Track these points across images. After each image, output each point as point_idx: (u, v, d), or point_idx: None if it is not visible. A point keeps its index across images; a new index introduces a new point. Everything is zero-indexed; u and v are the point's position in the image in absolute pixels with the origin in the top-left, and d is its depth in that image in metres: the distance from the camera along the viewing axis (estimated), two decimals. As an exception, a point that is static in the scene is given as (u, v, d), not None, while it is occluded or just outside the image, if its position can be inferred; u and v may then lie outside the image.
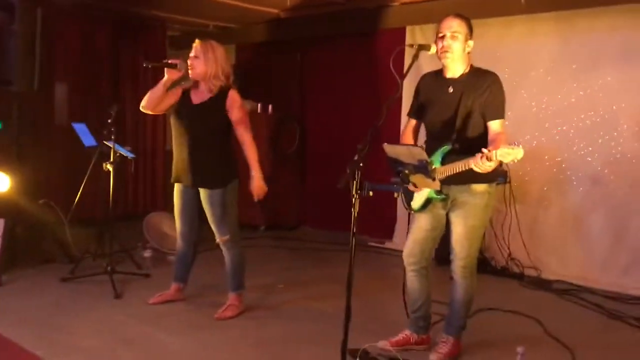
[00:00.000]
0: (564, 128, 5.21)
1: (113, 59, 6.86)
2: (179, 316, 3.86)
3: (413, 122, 3.35)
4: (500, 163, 2.76)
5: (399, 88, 2.89)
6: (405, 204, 3.28)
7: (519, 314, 4.13)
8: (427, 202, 3.16)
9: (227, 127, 3.78)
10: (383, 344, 3.34)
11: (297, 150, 7.17)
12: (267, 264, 5.33)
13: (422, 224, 3.26)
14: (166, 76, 3.66)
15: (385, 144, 2.86)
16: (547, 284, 4.95)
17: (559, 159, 5.24)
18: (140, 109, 3.78)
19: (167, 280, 4.18)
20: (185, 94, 3.80)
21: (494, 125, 3.05)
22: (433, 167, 2.83)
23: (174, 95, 3.79)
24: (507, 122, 5.13)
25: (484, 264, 5.28)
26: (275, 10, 6.40)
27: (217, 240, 3.88)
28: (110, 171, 4.27)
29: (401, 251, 3.41)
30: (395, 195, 2.75)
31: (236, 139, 3.83)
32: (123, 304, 4.06)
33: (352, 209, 2.65)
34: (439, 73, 3.20)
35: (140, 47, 7.13)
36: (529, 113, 5.33)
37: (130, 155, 4.67)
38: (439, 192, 3.08)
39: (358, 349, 3.09)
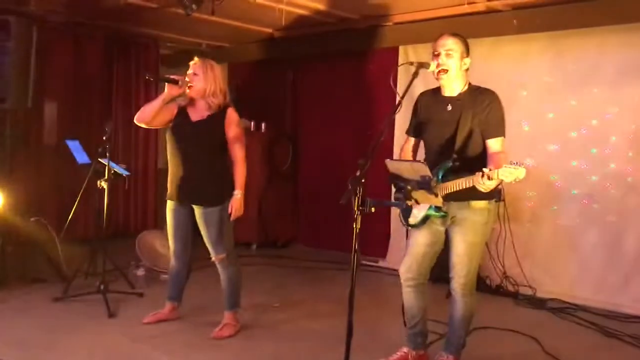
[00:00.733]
0: (557, 146, 5.25)
1: (105, 77, 6.84)
2: (174, 336, 3.81)
3: (412, 140, 3.37)
4: (501, 182, 2.76)
5: (397, 105, 2.90)
6: (403, 220, 3.28)
7: (516, 332, 4.12)
8: (426, 218, 3.17)
9: (225, 145, 3.77)
10: (382, 362, 3.31)
11: (290, 168, 7.16)
12: (261, 282, 5.28)
13: (420, 240, 3.26)
14: (166, 91, 3.64)
15: (387, 159, 2.86)
16: (542, 302, 4.95)
17: (551, 176, 5.27)
18: (135, 121, 3.76)
19: (161, 299, 4.13)
20: (183, 111, 3.79)
21: (493, 144, 3.07)
22: (435, 183, 2.83)
23: (169, 111, 3.77)
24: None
25: (478, 283, 5.24)
26: (269, 30, 6.43)
27: (213, 258, 3.84)
28: (104, 189, 4.23)
29: (395, 270, 3.40)
30: (399, 211, 2.74)
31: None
32: (117, 323, 3.99)
33: (354, 226, 2.64)
34: (436, 91, 3.22)
35: (133, 65, 7.13)
36: (521, 131, 5.37)
37: (125, 172, 4.64)
38: (438, 209, 3.08)
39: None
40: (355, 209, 2.60)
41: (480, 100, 3.08)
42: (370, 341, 3.76)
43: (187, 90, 3.69)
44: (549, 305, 4.87)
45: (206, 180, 3.73)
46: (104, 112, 6.69)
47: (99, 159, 4.32)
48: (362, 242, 6.16)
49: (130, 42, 7.03)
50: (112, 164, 4.33)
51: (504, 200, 5.20)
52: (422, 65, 3.07)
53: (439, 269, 4.26)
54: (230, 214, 3.72)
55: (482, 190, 2.81)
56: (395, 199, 2.78)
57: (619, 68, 4.89)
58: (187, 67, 3.80)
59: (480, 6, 5.09)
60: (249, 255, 6.34)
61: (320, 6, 5.44)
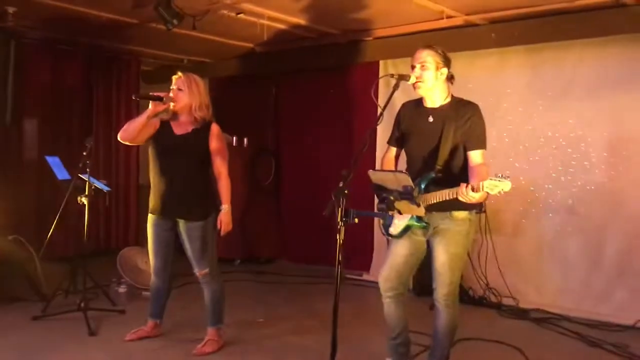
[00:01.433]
0: (536, 158, 5.31)
1: (86, 93, 6.81)
2: (156, 353, 3.76)
3: (393, 150, 3.38)
4: (487, 195, 2.78)
5: (379, 117, 2.92)
6: (383, 230, 3.28)
7: (500, 343, 4.12)
8: (407, 228, 3.17)
9: (208, 159, 3.76)
10: (367, 375, 3.29)
11: (273, 183, 7.15)
12: (244, 298, 5.24)
13: (400, 250, 3.25)
14: (150, 108, 3.61)
15: (370, 170, 2.87)
16: (525, 313, 4.98)
17: (532, 188, 5.32)
18: (119, 139, 3.73)
19: (143, 315, 4.08)
20: (166, 125, 3.76)
21: (475, 156, 3.09)
22: (417, 194, 2.84)
23: (152, 127, 3.75)
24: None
25: (461, 294, 5.25)
26: (250, 45, 6.45)
27: (196, 274, 3.81)
28: (85, 204, 4.18)
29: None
30: (381, 221, 2.75)
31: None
32: (98, 341, 3.94)
33: (338, 237, 2.63)
34: (419, 102, 3.25)
35: (114, 81, 7.10)
36: (501, 144, 5.42)
37: (105, 188, 4.59)
38: (419, 220, 3.09)
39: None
40: (339, 220, 2.59)
41: (463, 112, 3.11)
42: (355, 355, 3.75)
43: (171, 106, 3.67)
44: (532, 316, 4.89)
45: (190, 195, 3.71)
46: (84, 128, 6.64)
47: (79, 175, 4.27)
48: (345, 256, 6.19)
49: (111, 58, 7.01)
50: (93, 180, 4.29)
51: (485, 211, 5.25)
52: (403, 77, 3.09)
53: (422, 282, 4.26)
54: (218, 228, 3.71)
55: (466, 202, 2.82)
56: (379, 209, 2.78)
57: (597, 80, 4.98)
58: (169, 82, 3.79)
59: (459, 20, 5.16)
60: (233, 271, 6.29)
61: (301, 21, 5.47)
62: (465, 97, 3.23)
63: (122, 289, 4.83)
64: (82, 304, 4.18)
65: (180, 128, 3.75)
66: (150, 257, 3.87)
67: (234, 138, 6.81)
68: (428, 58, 3.11)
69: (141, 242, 5.66)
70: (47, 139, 6.34)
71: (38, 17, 5.35)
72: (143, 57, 7.26)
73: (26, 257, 4.73)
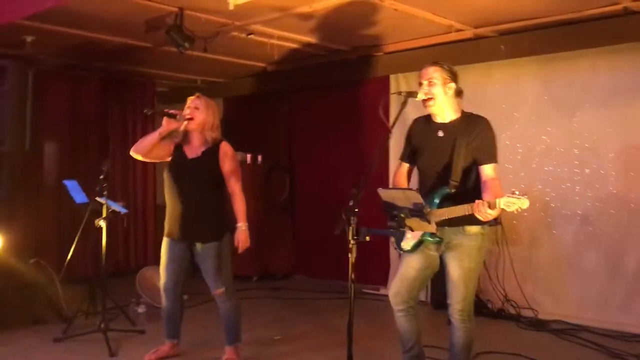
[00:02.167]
0: (550, 168, 5.29)
1: (102, 117, 6.93)
2: (176, 373, 3.80)
3: (405, 166, 3.40)
4: (502, 211, 2.78)
5: (389, 134, 2.95)
6: (395, 245, 3.29)
7: (520, 356, 4.09)
8: (419, 243, 3.18)
9: (221, 179, 3.81)
10: (384, 391, 3.29)
11: (288, 199, 7.19)
12: (261, 315, 5.26)
13: (412, 263, 3.25)
14: (164, 125, 3.70)
15: (380, 188, 2.89)
16: (545, 324, 4.94)
17: (547, 198, 5.30)
18: (131, 153, 3.81)
19: (162, 335, 4.09)
20: (179, 149, 3.83)
21: (486, 170, 3.09)
22: (429, 210, 2.86)
23: (166, 147, 3.82)
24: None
25: (479, 307, 5.26)
26: (262, 64, 6.53)
27: (212, 293, 3.84)
28: (102, 227, 4.24)
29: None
30: (392, 239, 2.76)
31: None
32: (118, 362, 3.98)
33: (350, 255, 2.65)
34: (429, 118, 3.27)
35: (129, 104, 7.22)
36: (514, 155, 5.42)
37: (123, 210, 4.66)
38: (432, 235, 3.10)
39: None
40: (350, 239, 2.61)
41: (473, 127, 3.12)
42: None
43: (185, 123, 3.73)
44: (552, 327, 4.85)
45: (203, 217, 3.75)
46: (101, 152, 6.75)
47: (97, 198, 4.34)
48: (362, 271, 6.17)
49: (126, 82, 7.13)
50: (110, 202, 4.35)
51: (501, 223, 5.24)
52: (411, 94, 3.12)
53: (439, 296, 4.24)
54: (235, 246, 3.75)
55: (481, 219, 2.83)
56: (389, 227, 2.80)
57: (610, 88, 4.96)
58: (184, 102, 3.86)
59: (468, 33, 5.19)
60: (249, 288, 6.32)
61: (311, 39, 5.54)
62: (479, 109, 3.24)
63: (141, 309, 4.88)
64: (102, 325, 4.22)
65: (192, 151, 3.81)
66: (161, 276, 3.89)
67: (248, 155, 6.88)
68: (435, 74, 3.13)
69: (159, 262, 5.72)
70: (65, 163, 6.45)
71: (54, 45, 5.49)
72: (157, 79, 7.38)
73: (47, 280, 4.80)
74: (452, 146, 3.11)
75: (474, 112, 3.21)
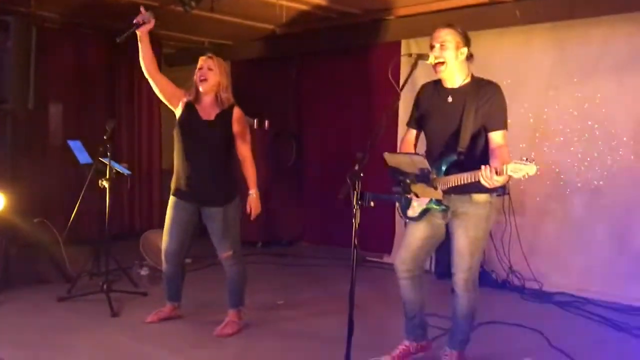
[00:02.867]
0: (562, 139, 5.20)
1: (107, 77, 6.85)
2: (177, 334, 3.80)
3: (413, 131, 3.32)
4: (509, 178, 2.71)
5: (397, 98, 2.86)
6: (401, 213, 3.24)
7: (522, 327, 4.07)
8: (425, 211, 3.13)
9: (231, 144, 3.77)
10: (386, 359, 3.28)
11: (294, 166, 7.13)
12: (265, 281, 5.26)
13: (417, 232, 3.21)
14: (139, 35, 3.67)
15: (386, 153, 2.82)
16: (549, 296, 4.90)
17: (557, 170, 5.21)
18: (146, 76, 3.80)
19: (164, 297, 4.10)
20: (191, 107, 3.75)
21: (495, 137, 3.02)
22: (435, 176, 2.79)
23: (174, 90, 3.78)
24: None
25: (484, 277, 5.21)
26: (271, 26, 6.40)
27: (220, 256, 3.82)
28: (106, 188, 4.21)
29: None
30: (397, 205, 2.71)
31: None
32: (120, 323, 3.98)
33: (353, 220, 2.61)
34: (438, 83, 3.18)
35: (136, 63, 7.06)
36: (526, 124, 5.32)
37: (126, 172, 4.63)
38: (439, 203, 3.04)
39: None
40: (354, 203, 2.56)
41: (483, 92, 3.03)
42: (373, 336, 3.74)
43: (201, 85, 3.68)
44: (556, 299, 4.81)
45: (212, 180, 3.72)
46: (107, 112, 6.69)
47: (100, 158, 4.31)
48: (366, 238, 6.17)
49: (132, 42, 7.00)
50: (114, 163, 4.32)
51: (508, 193, 5.18)
52: (421, 57, 3.03)
53: (443, 264, 4.19)
54: (248, 213, 3.75)
55: (487, 185, 2.76)
56: (394, 192, 2.74)
57: (625, 58, 4.83)
58: (191, 65, 3.82)
59: (483, -3, 5.05)
60: (254, 253, 6.32)
61: (321, 1, 5.40)
62: (490, 77, 3.15)
63: (144, 272, 4.89)
64: (105, 286, 4.22)
65: (205, 112, 3.74)
66: (164, 239, 3.84)
67: (255, 120, 6.81)
68: (448, 37, 3.03)
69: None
70: (71, 123, 6.41)
71: (59, 2, 5.39)
72: (164, 40, 7.25)
73: (51, 239, 4.80)
74: (460, 112, 3.02)
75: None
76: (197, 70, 3.74)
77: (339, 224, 6.50)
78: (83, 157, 4.77)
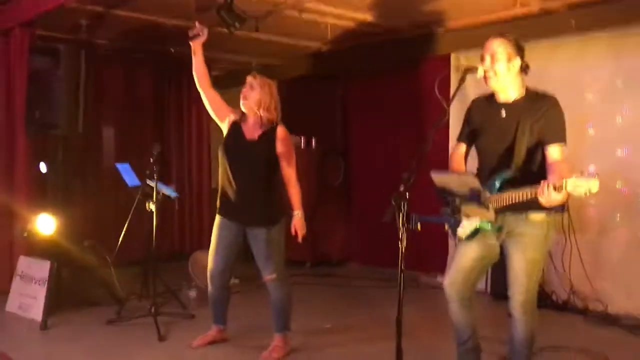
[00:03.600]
0: (625, 152, 4.91)
1: (157, 100, 6.95)
2: (222, 359, 3.73)
3: (463, 146, 3.17)
4: (569, 196, 2.52)
5: (445, 113, 2.73)
6: (451, 233, 3.08)
7: (586, 351, 3.83)
8: (476, 231, 2.96)
9: (276, 164, 3.71)
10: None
11: (342, 184, 7.03)
12: (312, 302, 5.16)
13: (469, 252, 3.04)
14: (193, 47, 3.84)
15: (433, 172, 2.68)
16: (615, 319, 4.62)
17: (620, 184, 4.93)
18: (199, 89, 3.91)
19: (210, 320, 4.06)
20: (237, 127, 3.74)
21: (553, 151, 2.83)
22: (488, 195, 2.63)
23: (222, 106, 3.85)
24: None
25: (543, 299, 4.97)
26: (316, 44, 6.37)
27: (264, 278, 3.75)
28: (152, 211, 4.22)
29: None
30: (446, 227, 2.56)
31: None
32: (167, 346, 3.96)
33: (400, 244, 2.47)
34: (490, 97, 3.03)
35: (184, 87, 7.22)
36: (584, 137, 5.06)
37: (173, 194, 4.64)
38: (491, 223, 2.88)
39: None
40: (400, 226, 2.43)
41: (539, 105, 2.86)
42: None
43: (242, 104, 3.70)
44: (623, 322, 4.53)
45: (256, 201, 3.67)
46: (157, 136, 6.78)
47: (147, 181, 4.32)
48: (419, 258, 5.99)
49: (180, 65, 7.11)
50: (160, 186, 4.32)
51: (568, 210, 4.92)
52: (470, 70, 2.89)
53: (500, 285, 3.97)
54: (293, 234, 3.68)
55: (545, 204, 2.58)
56: (443, 213, 2.60)
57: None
58: (239, 86, 3.79)
59: (534, 7, 4.87)
60: (303, 274, 6.24)
61: (367, 17, 5.33)
62: (546, 89, 2.98)
63: (192, 293, 4.86)
64: (152, 309, 4.21)
65: (249, 132, 3.72)
66: (209, 259, 3.82)
67: (302, 139, 6.76)
68: (499, 49, 2.88)
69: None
70: (122, 147, 6.52)
71: (108, 28, 5.51)
72: (211, 63, 7.32)
73: (101, 262, 4.84)
74: (515, 127, 2.86)
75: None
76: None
77: (387, 244, 6.33)
78: (131, 179, 4.81)
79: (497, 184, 2.83)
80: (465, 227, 2.97)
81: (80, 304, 4.75)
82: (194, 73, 3.89)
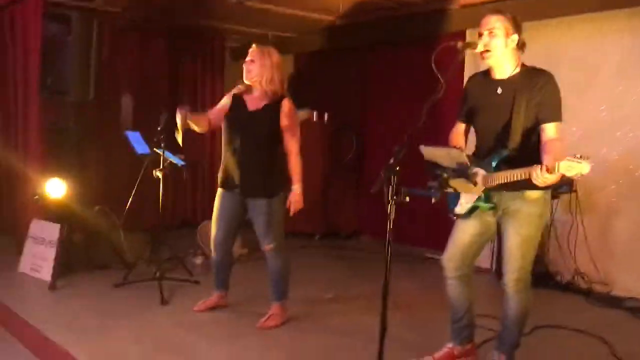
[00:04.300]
0: (637, 133, 4.83)
1: (171, 71, 6.98)
2: (221, 324, 3.83)
3: (462, 125, 3.18)
4: (563, 176, 2.52)
5: (439, 90, 2.74)
6: (448, 209, 3.10)
7: (583, 332, 3.83)
8: (474, 208, 2.98)
9: (279, 136, 3.72)
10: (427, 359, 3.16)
11: (355, 159, 7.04)
12: (318, 273, 5.23)
13: (467, 229, 3.07)
14: (181, 128, 3.72)
15: (422, 146, 2.70)
16: (618, 301, 4.60)
17: (631, 166, 4.86)
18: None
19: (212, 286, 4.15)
20: (239, 100, 3.76)
21: (549, 130, 2.81)
22: (474, 170, 2.64)
23: (222, 110, 3.81)
24: (574, 129, 4.96)
25: (547, 279, 4.99)
26: (330, 17, 6.33)
27: (262, 248, 3.82)
28: (159, 178, 4.29)
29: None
30: (433, 200, 2.58)
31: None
32: (169, 310, 4.06)
33: (388, 216, 2.51)
34: (486, 73, 3.02)
35: (199, 58, 7.24)
36: (597, 118, 4.99)
37: (180, 162, 4.70)
38: (487, 200, 2.89)
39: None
40: (389, 198, 2.46)
41: (535, 81, 2.84)
42: (420, 338, 3.63)
43: (245, 76, 3.69)
44: (626, 305, 4.51)
45: (257, 172, 3.70)
46: (171, 106, 6.81)
47: (155, 149, 4.39)
48: (427, 236, 6.00)
49: (196, 36, 7.14)
50: (168, 154, 4.38)
51: (576, 191, 4.89)
52: (468, 45, 2.89)
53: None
54: (287, 207, 3.70)
55: (539, 184, 2.58)
56: (430, 187, 2.61)
57: None
58: None
59: (550, -17, 4.77)
60: (312, 245, 6.30)
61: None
62: (558, 68, 2.94)
63: (198, 260, 4.96)
64: (158, 274, 4.31)
65: (253, 103, 3.73)
66: (212, 227, 3.89)
67: (315, 113, 6.77)
68: (497, 24, 2.87)
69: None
70: (137, 115, 6.59)
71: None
72: (227, 35, 7.34)
73: (111, 227, 4.95)
74: (511, 104, 2.85)
75: (549, 70, 2.91)
76: None
77: (399, 219, 6.37)
78: (141, 147, 4.88)
79: (494, 163, 2.84)
80: (463, 204, 3.00)
81: (90, 267, 4.88)
82: (198, 130, 3.87)
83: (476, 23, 5.62)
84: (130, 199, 4.67)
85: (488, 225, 3.05)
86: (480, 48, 2.89)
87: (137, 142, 4.88)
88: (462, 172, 2.54)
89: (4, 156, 5.13)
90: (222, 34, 7.28)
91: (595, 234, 4.94)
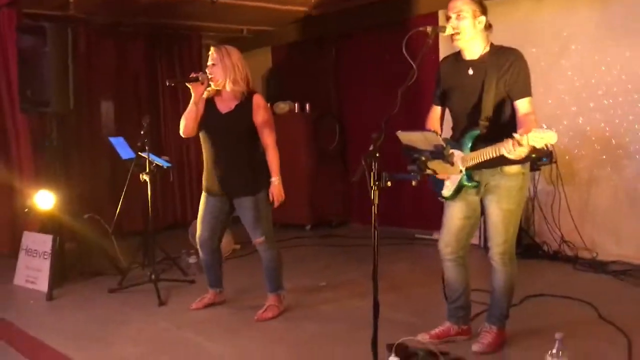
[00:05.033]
0: (611, 101, 4.94)
1: (150, 73, 6.99)
2: (219, 320, 3.89)
3: (438, 109, 3.26)
4: (533, 148, 2.60)
5: (411, 75, 2.81)
6: (437, 193, 3.18)
7: (571, 299, 3.94)
8: (459, 189, 3.06)
9: (255, 132, 3.75)
10: (422, 337, 3.25)
11: (338, 147, 7.10)
12: (310, 263, 5.30)
13: (455, 213, 3.16)
14: (193, 93, 3.66)
15: (399, 131, 2.78)
16: (604, 265, 4.72)
17: (607, 134, 4.97)
18: (183, 136, 3.82)
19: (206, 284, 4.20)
20: (211, 104, 3.78)
21: (522, 105, 2.90)
22: (450, 151, 2.72)
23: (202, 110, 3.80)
24: (549, 100, 5.05)
25: (535, 249, 5.11)
26: (303, 8, 6.36)
27: (253, 242, 3.88)
28: (147, 181, 4.33)
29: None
30: (414, 183, 2.65)
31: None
32: (166, 311, 4.11)
33: (372, 201, 2.59)
34: (457, 55, 3.10)
35: (177, 58, 7.25)
36: (572, 88, 5.10)
37: (165, 164, 4.74)
38: (470, 179, 2.98)
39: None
40: (371, 184, 2.54)
41: (503, 60, 2.93)
42: (416, 318, 3.70)
43: (211, 83, 3.69)
44: (611, 269, 4.63)
45: (238, 171, 3.74)
46: (152, 108, 6.85)
47: (139, 153, 4.42)
48: (416, 217, 6.09)
49: (172, 36, 7.15)
50: (153, 157, 4.42)
51: (556, 162, 5.00)
52: (438, 29, 2.95)
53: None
54: (271, 201, 3.75)
55: (514, 158, 2.67)
56: (409, 171, 2.69)
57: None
58: None
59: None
60: (303, 236, 6.37)
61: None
62: (530, 42, 3.03)
63: (192, 260, 5.00)
64: (152, 276, 4.35)
65: (224, 105, 3.75)
66: (197, 228, 3.94)
67: (296, 104, 6.82)
68: (464, 7, 2.93)
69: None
70: (118, 120, 6.61)
71: (97, 3, 5.53)
72: (203, 32, 7.35)
73: (101, 233, 4.98)
74: (481, 84, 2.93)
75: (522, 47, 2.99)
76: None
77: (387, 203, 6.43)
78: (125, 152, 4.91)
79: (469, 143, 2.92)
80: (449, 186, 3.08)
81: (84, 275, 4.92)
82: (184, 120, 3.72)
83: (447, 4, 5.76)
84: (120, 205, 4.69)
85: (474, 205, 3.14)
86: (449, 31, 2.95)
87: (121, 147, 4.90)
88: (438, 153, 2.62)
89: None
90: (198, 31, 7.29)
91: (577, 203, 5.07)
